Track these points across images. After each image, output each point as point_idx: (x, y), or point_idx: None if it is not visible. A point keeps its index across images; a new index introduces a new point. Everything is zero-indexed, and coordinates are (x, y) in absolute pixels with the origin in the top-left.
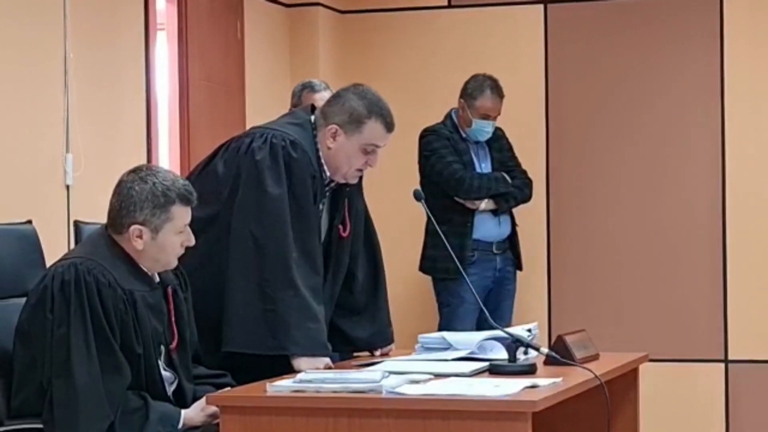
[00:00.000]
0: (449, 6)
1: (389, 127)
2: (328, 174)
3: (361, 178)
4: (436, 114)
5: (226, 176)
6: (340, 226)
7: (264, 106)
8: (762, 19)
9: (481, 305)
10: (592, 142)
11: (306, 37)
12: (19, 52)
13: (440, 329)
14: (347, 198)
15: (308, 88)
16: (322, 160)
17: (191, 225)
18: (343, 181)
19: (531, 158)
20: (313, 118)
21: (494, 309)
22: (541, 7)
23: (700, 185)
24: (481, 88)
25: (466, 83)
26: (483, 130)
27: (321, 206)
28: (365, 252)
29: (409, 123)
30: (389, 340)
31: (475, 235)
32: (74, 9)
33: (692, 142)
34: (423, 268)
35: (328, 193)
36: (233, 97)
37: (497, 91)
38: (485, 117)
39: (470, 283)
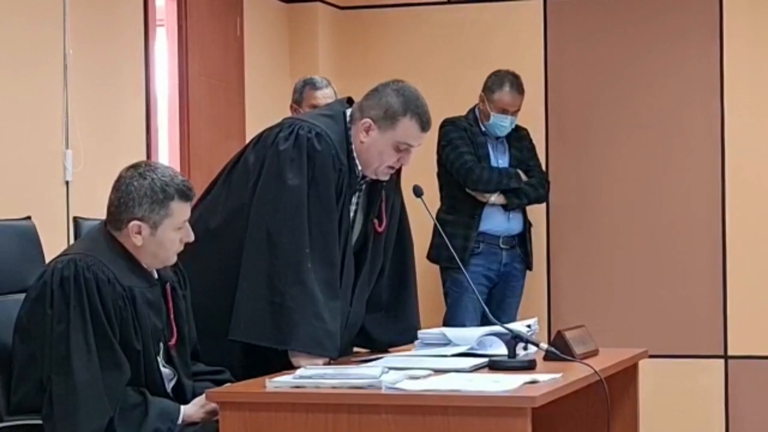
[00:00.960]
0: (448, 2)
1: (424, 126)
2: (360, 168)
3: (399, 173)
4: (437, 109)
5: (255, 166)
6: (375, 221)
7: (263, 102)
8: (761, 15)
9: (480, 299)
10: (591, 138)
11: (305, 33)
12: (19, 48)
13: (445, 317)
14: (384, 192)
15: (310, 84)
16: (355, 153)
17: (194, 219)
18: (373, 176)
19: None
20: (349, 111)
21: (499, 304)
22: (540, 2)
23: (699, 181)
24: (501, 83)
25: (488, 77)
26: (500, 124)
27: (355, 200)
28: (395, 249)
29: None
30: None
31: (483, 227)
32: (74, 5)
33: (692, 137)
34: (430, 257)
35: (363, 186)
36: (233, 94)
37: (517, 86)
38: (503, 111)
39: (473, 273)
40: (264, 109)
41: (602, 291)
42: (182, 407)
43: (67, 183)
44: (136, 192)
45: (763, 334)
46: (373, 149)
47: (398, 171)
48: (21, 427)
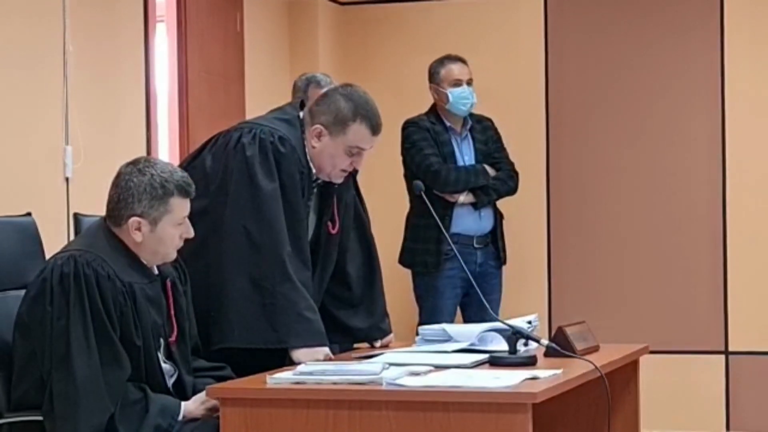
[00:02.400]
0: None
1: (374, 130)
2: (315, 171)
3: (354, 172)
4: None
5: (215, 171)
6: (329, 223)
7: (263, 98)
8: (762, 11)
9: (482, 297)
10: (592, 134)
11: (305, 29)
12: (19, 45)
13: (421, 324)
14: (336, 194)
15: (314, 83)
16: (309, 156)
17: None
18: (327, 179)
19: (531, 149)
20: (301, 114)
21: (480, 304)
22: None
23: (700, 177)
24: (441, 62)
25: (428, 69)
26: (461, 97)
27: (309, 203)
28: (359, 245)
29: (406, 116)
30: (387, 332)
31: (455, 229)
32: (74, 1)
33: (692, 133)
34: (402, 261)
35: (315, 190)
36: (233, 89)
37: (457, 57)
38: (457, 83)
39: (449, 278)
40: (264, 105)
41: (603, 287)
42: (183, 403)
43: (67, 179)
44: (135, 188)
45: (763, 329)
46: (325, 154)
47: (354, 172)
48: (21, 424)
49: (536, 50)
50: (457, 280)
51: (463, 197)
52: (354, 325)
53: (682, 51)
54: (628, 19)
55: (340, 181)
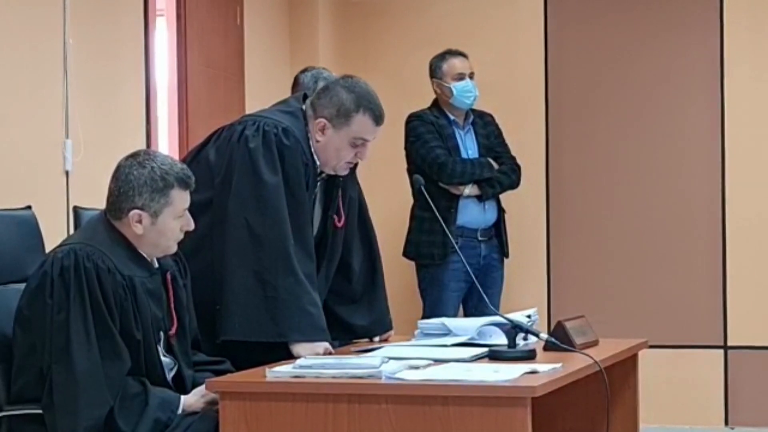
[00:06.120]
0: None
1: (378, 120)
2: (319, 164)
3: (355, 167)
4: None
5: (219, 164)
6: (335, 216)
7: (263, 91)
8: (762, 4)
9: (481, 291)
10: (591, 129)
11: (305, 22)
12: (19, 37)
13: (424, 316)
14: (341, 187)
15: (322, 79)
16: (313, 149)
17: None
18: (333, 172)
19: (530, 144)
20: (304, 107)
21: (480, 297)
22: None
23: (699, 172)
24: (442, 57)
25: (429, 65)
26: (465, 90)
27: (313, 196)
28: (360, 240)
29: (407, 109)
30: (388, 328)
31: (460, 221)
32: None
33: (692, 128)
34: (406, 254)
35: (319, 183)
36: (232, 83)
37: (458, 52)
38: (460, 77)
39: (453, 270)
40: (264, 98)
41: (602, 281)
42: (182, 397)
43: (66, 172)
44: (135, 181)
45: (762, 324)
46: (330, 147)
47: (354, 165)
48: (21, 417)
49: (536, 44)
50: (462, 273)
51: (468, 189)
52: (355, 323)
53: (682, 44)
54: (628, 13)
55: (345, 173)
